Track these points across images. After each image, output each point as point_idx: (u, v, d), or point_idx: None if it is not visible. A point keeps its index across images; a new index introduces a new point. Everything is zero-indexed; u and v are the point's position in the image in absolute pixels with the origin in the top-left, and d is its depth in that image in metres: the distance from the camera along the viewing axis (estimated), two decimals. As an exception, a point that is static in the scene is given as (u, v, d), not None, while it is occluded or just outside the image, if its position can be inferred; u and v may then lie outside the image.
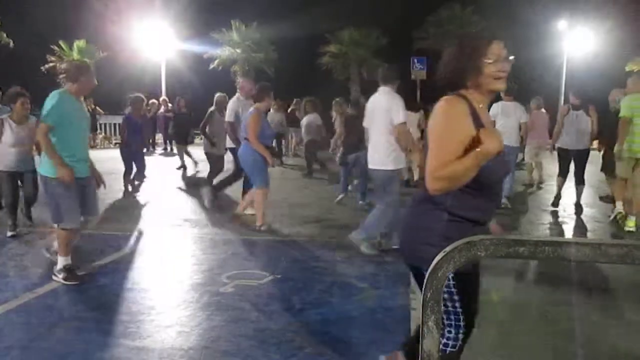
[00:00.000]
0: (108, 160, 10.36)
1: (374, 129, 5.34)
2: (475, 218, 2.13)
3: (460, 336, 2.22)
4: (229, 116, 7.48)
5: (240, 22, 27.42)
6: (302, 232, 6.47)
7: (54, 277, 4.50)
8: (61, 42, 25.19)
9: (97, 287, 4.41)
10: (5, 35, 21.31)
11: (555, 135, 7.99)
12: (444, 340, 2.25)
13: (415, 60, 23.00)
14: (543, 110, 10.49)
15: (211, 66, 27.39)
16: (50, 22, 25.06)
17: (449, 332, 2.23)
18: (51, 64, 25.13)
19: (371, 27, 27.22)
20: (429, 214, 2.16)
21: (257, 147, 6.24)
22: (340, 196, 8.51)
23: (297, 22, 23.45)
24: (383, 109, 5.22)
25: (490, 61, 2.08)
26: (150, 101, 18.12)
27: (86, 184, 4.56)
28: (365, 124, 5.61)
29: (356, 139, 7.48)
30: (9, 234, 5.98)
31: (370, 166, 5.41)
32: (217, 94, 8.89)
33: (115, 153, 9.87)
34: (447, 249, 0.97)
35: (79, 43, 25.25)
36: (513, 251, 0.95)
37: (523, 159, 11.53)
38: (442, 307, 2.08)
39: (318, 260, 5.23)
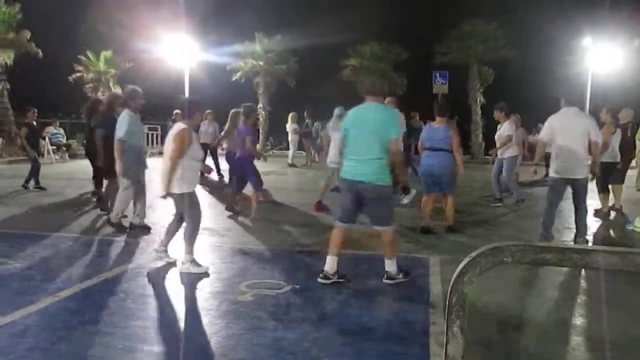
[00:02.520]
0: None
1: (576, 146, 6.08)
2: None
3: None
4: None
5: (263, 34, 27.68)
6: (320, 242, 6.45)
7: (388, 282, 4.73)
8: (88, 52, 25.70)
9: (118, 292, 4.45)
10: (34, 45, 21.80)
11: (602, 151, 8.31)
12: None
13: (437, 75, 23.02)
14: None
15: (234, 78, 27.63)
16: (78, 33, 25.61)
17: None
18: (78, 74, 25.66)
19: (392, 41, 27.25)
20: None
21: (459, 159, 6.94)
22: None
23: (319, 35, 23.58)
24: (582, 129, 6.11)
25: None
26: (175, 111, 18.36)
27: None
28: (545, 137, 6.37)
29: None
30: (197, 270, 5.03)
31: (574, 176, 6.15)
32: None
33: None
34: (473, 253, 0.96)
35: (106, 53, 25.73)
36: (540, 258, 0.93)
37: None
38: None
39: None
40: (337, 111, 9.04)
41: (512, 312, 4.20)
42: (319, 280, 4.72)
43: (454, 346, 0.94)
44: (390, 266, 4.75)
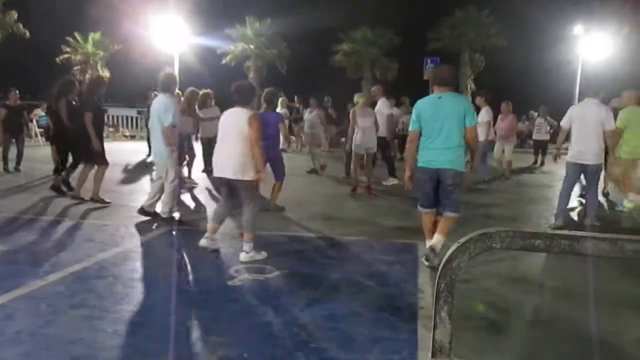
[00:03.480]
0: (120, 152, 10.39)
1: (590, 134, 6.45)
2: None
3: None
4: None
5: (254, 18, 27.42)
6: (310, 228, 6.47)
7: (426, 262, 4.83)
8: (76, 34, 25.37)
9: (107, 276, 4.44)
10: (21, 26, 21.47)
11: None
12: None
13: (429, 61, 22.99)
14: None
15: (224, 61, 27.42)
16: (67, 14, 25.23)
17: None
18: (66, 56, 25.33)
19: (385, 27, 27.15)
20: None
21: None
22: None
23: (311, 20, 23.43)
24: (598, 118, 6.41)
25: None
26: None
27: None
28: (565, 125, 6.73)
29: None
30: (260, 256, 5.02)
31: (586, 162, 6.50)
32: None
33: (126, 146, 9.87)
34: (462, 239, 0.96)
35: (94, 35, 25.43)
36: (528, 244, 0.94)
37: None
38: None
39: (326, 257, 5.23)
40: (359, 97, 9.08)
41: (499, 297, 4.25)
42: (424, 262, 4.90)
43: (441, 331, 0.94)
44: (439, 245, 4.87)
